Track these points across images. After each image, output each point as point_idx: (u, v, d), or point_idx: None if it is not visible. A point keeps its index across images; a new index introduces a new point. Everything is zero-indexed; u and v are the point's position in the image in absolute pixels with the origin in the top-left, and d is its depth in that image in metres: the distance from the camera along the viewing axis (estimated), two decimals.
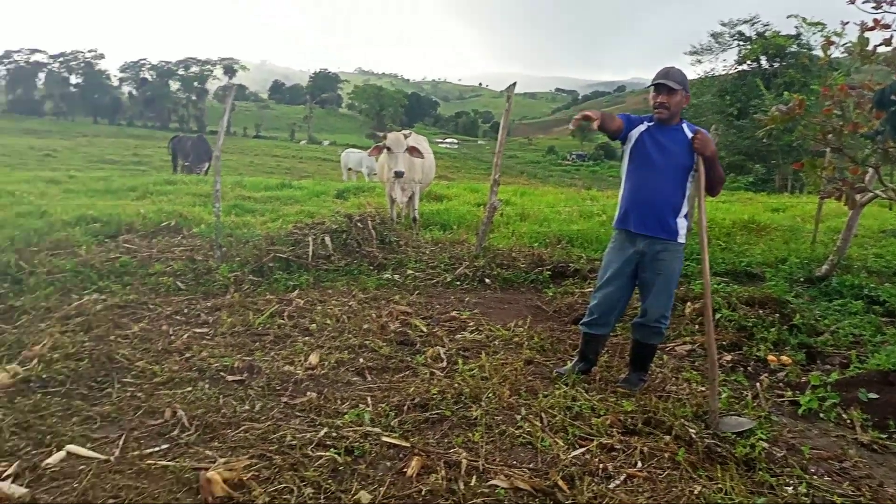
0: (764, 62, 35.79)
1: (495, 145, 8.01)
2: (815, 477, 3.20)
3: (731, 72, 37.37)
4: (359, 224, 7.74)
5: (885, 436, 3.69)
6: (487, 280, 7.15)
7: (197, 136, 20.55)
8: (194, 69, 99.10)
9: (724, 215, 11.25)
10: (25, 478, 3.08)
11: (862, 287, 6.43)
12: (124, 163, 28.83)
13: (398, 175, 8.31)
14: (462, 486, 3.07)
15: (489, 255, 7.74)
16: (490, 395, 4.08)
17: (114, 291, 6.04)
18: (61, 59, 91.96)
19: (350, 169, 21.38)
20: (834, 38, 5.93)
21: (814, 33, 31.90)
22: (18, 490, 2.96)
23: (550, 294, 6.76)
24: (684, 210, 4.04)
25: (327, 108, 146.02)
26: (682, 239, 4.06)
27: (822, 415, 3.97)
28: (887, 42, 5.62)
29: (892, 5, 5.64)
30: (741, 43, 37.26)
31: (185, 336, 5.04)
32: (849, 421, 3.86)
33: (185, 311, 5.70)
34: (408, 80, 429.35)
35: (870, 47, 5.78)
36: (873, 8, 5.69)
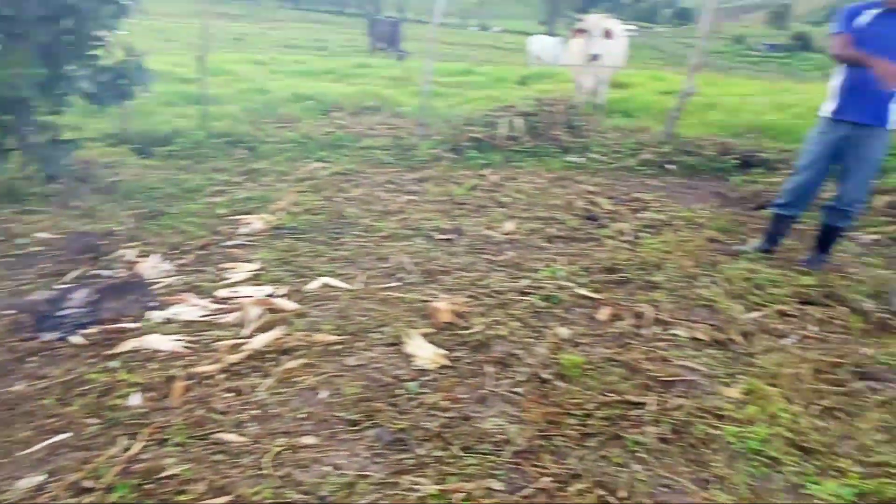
0: None
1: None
2: None
3: None
4: (547, 108, 8.10)
5: None
6: (671, 166, 7.33)
7: (393, 20, 21.47)
8: None
9: None
10: (294, 298, 3.94)
11: None
12: (308, 47, 30.23)
13: (594, 58, 8.50)
14: (647, 332, 3.57)
15: (675, 142, 7.85)
16: (672, 264, 4.47)
17: (333, 160, 6.93)
18: None
19: (537, 56, 21.20)
20: None
21: None
22: (291, 305, 3.83)
23: (736, 182, 6.86)
24: None
25: None
26: (891, 125, 4.04)
27: None
28: None
29: None
30: None
31: (400, 201, 5.81)
32: None
33: (395, 180, 6.47)
34: None
35: None
36: None
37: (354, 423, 2.75)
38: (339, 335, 3.44)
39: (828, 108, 4.25)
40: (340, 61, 17.34)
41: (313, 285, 4.08)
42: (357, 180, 6.42)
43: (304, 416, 2.79)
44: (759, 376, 3.13)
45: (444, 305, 3.72)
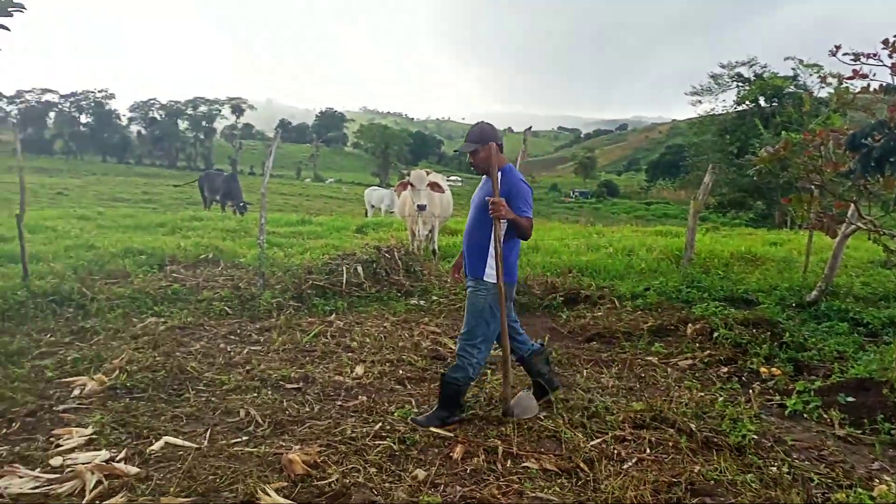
0: (762, 102, 36.66)
1: None
2: (796, 460, 3.81)
3: (730, 111, 38.26)
4: (387, 255, 8.43)
5: (859, 431, 4.29)
6: None
7: (229, 175, 21.79)
8: (202, 108, 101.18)
9: (723, 247, 11.88)
10: (135, 461, 3.71)
11: (847, 311, 7.02)
12: (134, 200, 29.59)
13: (421, 208, 9.04)
14: (500, 467, 3.70)
15: None
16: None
17: (170, 315, 6.71)
18: (72, 98, 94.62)
19: (373, 206, 22.22)
20: (830, 80, 6.62)
21: (810, 74, 32.14)
22: (133, 469, 3.60)
23: (564, 317, 7.40)
24: (491, 251, 4.26)
25: (333, 146, 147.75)
26: (488, 278, 4.27)
27: (805, 415, 4.58)
28: (865, 90, 6.32)
29: (868, 58, 6.33)
30: (740, 84, 38.25)
31: (244, 352, 5.70)
32: (828, 419, 4.46)
33: (238, 331, 6.36)
34: (412, 118, 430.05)
35: (850, 95, 6.49)
36: (852, 60, 6.38)
37: None
38: (187, 497, 3.26)
39: None
40: (174, 214, 17.07)
41: (155, 446, 3.87)
42: (197, 333, 6.24)
43: None
44: (605, 501, 3.32)
45: (297, 457, 3.65)
